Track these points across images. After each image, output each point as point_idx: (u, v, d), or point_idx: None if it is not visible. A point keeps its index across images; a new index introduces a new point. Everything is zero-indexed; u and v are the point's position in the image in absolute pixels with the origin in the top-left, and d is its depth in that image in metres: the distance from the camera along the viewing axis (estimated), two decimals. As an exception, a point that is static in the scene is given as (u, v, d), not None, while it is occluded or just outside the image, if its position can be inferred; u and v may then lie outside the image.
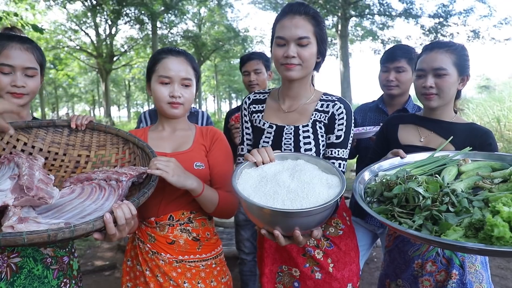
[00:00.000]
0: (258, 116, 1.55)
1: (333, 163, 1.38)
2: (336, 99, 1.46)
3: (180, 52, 1.50)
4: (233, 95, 51.55)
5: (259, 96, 1.59)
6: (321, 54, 1.44)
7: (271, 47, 1.47)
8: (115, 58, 25.94)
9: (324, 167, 1.26)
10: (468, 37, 15.44)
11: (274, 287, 1.52)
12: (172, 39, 24.61)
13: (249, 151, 1.51)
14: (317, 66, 1.47)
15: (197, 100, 32.01)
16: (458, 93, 1.58)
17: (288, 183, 1.15)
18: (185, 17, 22.35)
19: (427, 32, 15.82)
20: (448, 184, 1.17)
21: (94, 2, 15.23)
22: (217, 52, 27.66)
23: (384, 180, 1.23)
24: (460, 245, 0.86)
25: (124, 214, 1.03)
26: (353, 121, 1.46)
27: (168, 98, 1.44)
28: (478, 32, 15.18)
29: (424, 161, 1.38)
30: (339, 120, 1.42)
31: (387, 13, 15.88)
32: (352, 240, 1.51)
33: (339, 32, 16.03)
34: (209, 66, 37.87)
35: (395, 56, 2.10)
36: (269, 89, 1.63)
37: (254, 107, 1.57)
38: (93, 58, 26.14)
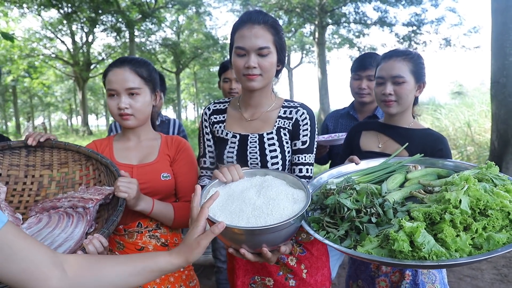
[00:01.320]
0: (220, 127, 1.51)
1: (301, 169, 1.41)
2: (299, 105, 1.46)
3: (125, 62, 1.46)
4: (230, 98, 51.44)
5: (219, 106, 1.55)
6: (281, 62, 1.43)
7: (230, 55, 1.45)
8: (92, 66, 25.55)
9: (291, 182, 1.25)
10: (440, 44, 15.93)
11: None
12: (150, 46, 24.45)
13: (211, 163, 1.54)
14: (277, 74, 1.47)
15: (177, 108, 31.81)
16: (416, 99, 1.65)
17: (254, 200, 1.13)
18: (163, 25, 22.24)
19: (401, 40, 16.24)
20: (385, 192, 1.22)
21: (70, 10, 14.98)
22: (196, 60, 27.63)
23: (323, 191, 1.27)
24: (364, 257, 0.91)
25: (96, 248, 1.03)
26: (316, 126, 1.47)
27: (117, 110, 1.44)
28: (450, 40, 15.69)
29: (375, 167, 1.43)
30: (303, 126, 1.43)
31: (363, 21, 16.24)
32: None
33: (316, 39, 16.27)
34: (188, 73, 37.73)
35: (367, 64, 2.16)
36: (228, 99, 1.60)
37: (215, 118, 1.53)
38: (69, 66, 25.67)
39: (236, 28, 1.39)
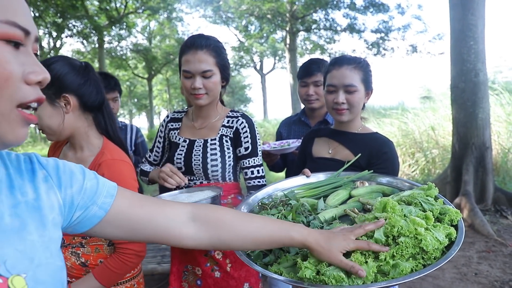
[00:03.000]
0: (175, 133, 1.74)
1: (252, 171, 1.63)
2: (240, 115, 1.67)
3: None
4: (187, 108, 51.12)
5: (177, 115, 1.79)
6: (225, 79, 1.64)
7: (179, 74, 1.64)
8: (60, 72, 24.81)
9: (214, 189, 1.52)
10: (407, 51, 16.46)
11: (181, 285, 1.67)
12: (121, 52, 24.04)
13: (154, 160, 1.81)
14: (223, 87, 1.69)
15: (149, 114, 31.31)
16: (364, 105, 1.68)
17: (183, 198, 1.46)
18: (133, 30, 21.94)
19: (370, 46, 16.68)
20: (321, 209, 1.22)
21: (36, 14, 14.52)
22: (168, 66, 27.38)
23: (260, 204, 1.28)
24: (273, 276, 0.95)
25: None
26: (257, 132, 1.67)
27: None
28: (416, 47, 16.24)
29: (322, 182, 1.44)
30: (243, 133, 1.64)
31: (333, 28, 16.57)
32: None
33: (287, 45, 16.48)
34: (161, 79, 37.32)
35: (312, 71, 2.19)
36: (185, 109, 1.82)
37: (172, 125, 1.76)
38: (36, 72, 24.84)
39: (182, 53, 1.58)
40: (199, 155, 1.61)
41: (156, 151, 1.81)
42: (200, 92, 1.55)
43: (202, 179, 1.64)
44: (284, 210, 1.20)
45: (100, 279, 1.26)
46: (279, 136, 2.41)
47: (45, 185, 0.67)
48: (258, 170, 1.65)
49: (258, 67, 32.09)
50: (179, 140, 1.70)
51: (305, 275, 0.87)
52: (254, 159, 1.64)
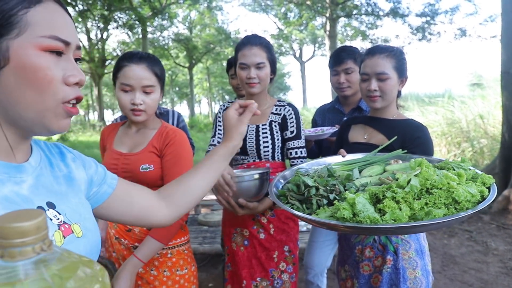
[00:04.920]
0: None
1: (296, 151, 1.87)
2: (286, 104, 1.92)
3: (142, 58, 1.52)
4: (227, 97, 51.67)
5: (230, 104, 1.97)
6: (273, 72, 1.89)
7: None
8: (107, 63, 25.96)
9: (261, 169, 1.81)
10: (455, 35, 15.62)
11: (231, 244, 1.94)
12: (163, 42, 24.68)
13: (218, 143, 2.01)
14: (271, 80, 1.92)
15: (190, 102, 32.05)
16: (399, 92, 1.72)
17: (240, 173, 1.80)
18: (175, 20, 22.41)
19: (415, 31, 15.99)
20: (356, 178, 1.31)
21: (84, 8, 15.24)
22: (208, 55, 27.78)
23: (299, 175, 1.38)
24: (318, 220, 1.07)
25: None
26: (301, 119, 1.90)
27: (130, 105, 1.50)
28: (465, 30, 15.36)
29: (356, 159, 1.50)
30: (290, 119, 1.88)
31: (375, 13, 16.01)
32: (292, 215, 1.82)
33: (327, 32, 16.15)
34: (201, 68, 37.97)
35: (342, 59, 2.21)
36: (239, 98, 2.03)
37: None
38: (85, 63, 26.15)
39: (238, 49, 1.86)
40: (253, 138, 1.87)
41: (218, 135, 2.04)
42: (254, 81, 1.80)
43: (255, 158, 1.90)
44: (316, 176, 1.32)
45: (157, 237, 1.45)
46: (314, 124, 2.46)
47: (73, 163, 0.85)
48: (301, 151, 1.86)
49: (297, 55, 31.78)
50: None
51: (344, 214, 0.99)
52: (298, 141, 1.86)
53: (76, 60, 0.73)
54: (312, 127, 2.43)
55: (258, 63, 1.79)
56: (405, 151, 1.50)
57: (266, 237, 1.84)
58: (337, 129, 2.11)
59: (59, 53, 0.67)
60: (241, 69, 1.83)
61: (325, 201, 1.18)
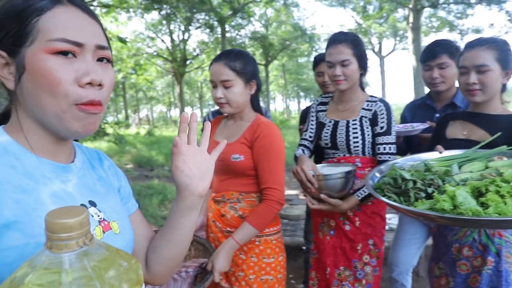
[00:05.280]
0: (322, 114, 2.07)
1: (384, 147, 1.86)
2: (378, 100, 1.93)
3: (222, 56, 1.68)
4: (302, 93, 51.41)
5: (325, 99, 2.13)
6: (363, 68, 1.92)
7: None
8: (188, 62, 27.38)
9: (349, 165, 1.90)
10: None
11: (318, 233, 2.03)
12: (240, 41, 25.33)
13: (310, 137, 2.12)
14: (362, 75, 1.96)
15: (266, 99, 32.56)
16: (504, 86, 1.61)
17: (325, 170, 1.90)
18: (252, 19, 22.87)
19: (513, 19, 14.40)
20: (455, 174, 1.28)
21: (169, 11, 16.27)
22: (284, 52, 27.85)
23: (395, 169, 1.39)
24: (417, 211, 1.08)
25: None
26: (392, 115, 1.89)
27: (215, 99, 1.69)
28: None
29: (456, 155, 1.46)
30: (380, 115, 1.88)
31: (465, 1, 14.73)
32: (379, 211, 1.92)
33: (410, 24, 15.24)
34: (276, 65, 38.18)
35: (436, 53, 2.11)
36: (331, 94, 2.13)
37: (320, 107, 2.11)
38: (168, 62, 27.88)
39: (326, 47, 1.92)
40: (343, 133, 1.91)
41: (310, 129, 2.12)
42: (340, 79, 1.86)
43: (345, 153, 1.94)
44: (413, 171, 1.31)
45: (253, 224, 1.59)
46: (403, 120, 2.39)
47: (109, 171, 0.89)
48: (390, 147, 1.86)
49: (376, 50, 30.49)
50: (325, 120, 2.02)
51: (444, 206, 1.00)
52: (387, 137, 1.86)
53: (102, 59, 0.72)
54: (401, 123, 2.38)
55: (343, 60, 1.82)
56: (511, 147, 1.41)
57: (351, 229, 1.90)
58: (428, 125, 2.05)
59: (72, 55, 0.66)
60: (328, 67, 1.90)
61: (423, 194, 1.18)
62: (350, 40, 1.85)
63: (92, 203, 0.76)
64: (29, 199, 0.65)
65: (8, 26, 0.66)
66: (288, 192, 5.50)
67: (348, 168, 1.84)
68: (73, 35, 0.65)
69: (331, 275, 1.92)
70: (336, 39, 1.86)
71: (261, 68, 32.83)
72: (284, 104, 50.14)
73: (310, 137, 2.12)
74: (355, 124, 1.91)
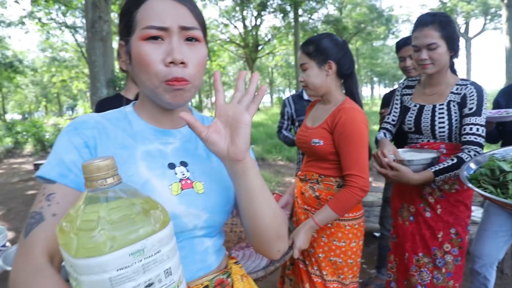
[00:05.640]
0: (407, 98, 2.01)
1: (471, 128, 1.72)
2: (469, 83, 1.79)
3: (303, 43, 1.75)
4: (375, 79, 49.25)
5: (411, 83, 2.05)
6: (453, 49, 1.79)
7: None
8: (259, 47, 27.65)
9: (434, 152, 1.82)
10: None
11: (397, 218, 2.01)
12: (313, 25, 24.89)
13: (392, 120, 2.08)
14: (452, 57, 1.84)
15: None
16: None
17: (406, 156, 1.84)
18: (326, 1, 22.28)
19: None
20: None
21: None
22: (358, 35, 26.84)
23: (494, 160, 1.31)
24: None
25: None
26: (484, 98, 1.74)
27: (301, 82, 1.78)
28: None
29: None
30: (470, 97, 1.76)
31: None
32: (464, 199, 1.83)
33: (505, 1, 13.70)
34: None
35: None
36: (419, 77, 2.04)
37: (405, 91, 2.04)
38: (240, 48, 28.41)
39: (412, 31, 1.85)
40: (428, 118, 1.85)
41: (394, 112, 2.08)
42: (426, 63, 1.78)
43: (430, 138, 1.88)
44: None
45: (334, 208, 1.61)
46: (497, 105, 2.21)
47: None
48: (477, 128, 1.71)
49: (462, 30, 27.99)
50: (410, 104, 1.96)
51: None
52: (476, 118, 1.72)
53: (191, 39, 0.78)
54: (493, 109, 2.20)
55: (429, 44, 1.74)
56: None
57: (432, 216, 1.84)
58: None
59: (160, 39, 0.75)
60: (414, 51, 1.83)
61: None
62: (438, 22, 1.75)
63: (183, 163, 0.83)
64: (124, 153, 0.78)
65: (123, 20, 0.80)
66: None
67: (432, 155, 1.77)
68: (158, 21, 0.74)
69: (409, 260, 1.91)
70: (423, 22, 1.78)
71: (334, 52, 31.94)
72: (357, 90, 48.34)
73: (393, 120, 2.08)
74: (442, 108, 1.82)
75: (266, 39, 28.19)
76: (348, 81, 1.76)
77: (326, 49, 1.68)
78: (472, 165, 1.40)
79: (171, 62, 0.74)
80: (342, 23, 24.51)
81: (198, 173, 0.83)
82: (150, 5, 0.76)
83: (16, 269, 0.64)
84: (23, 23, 18.44)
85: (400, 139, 2.29)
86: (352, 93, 1.77)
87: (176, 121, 0.88)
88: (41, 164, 9.61)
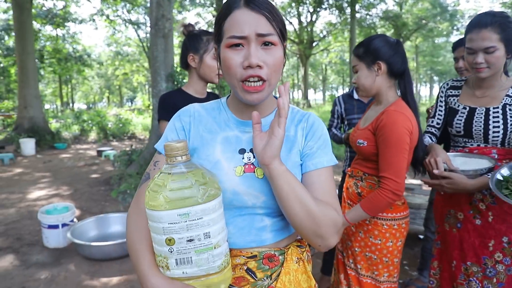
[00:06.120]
0: (454, 99, 1.89)
1: None
2: None
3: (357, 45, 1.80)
4: (436, 78, 46.69)
5: (456, 83, 1.93)
6: (510, 52, 1.67)
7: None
8: (314, 44, 27.42)
9: (488, 159, 1.71)
10: None
11: (443, 224, 1.92)
12: (370, 21, 24.20)
13: (437, 123, 1.97)
14: (508, 60, 1.72)
15: (393, 83, 30.55)
16: None
17: (458, 163, 1.73)
18: (385, -3, 21.54)
19: None
20: None
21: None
22: (419, 32, 25.63)
23: None
24: None
25: None
26: None
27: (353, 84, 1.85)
28: None
29: None
30: None
31: None
32: None
33: None
34: (409, 47, 35.39)
35: None
36: (465, 78, 1.92)
37: (451, 92, 1.92)
38: (295, 44, 28.34)
39: (467, 31, 1.72)
40: (481, 123, 1.73)
41: (438, 115, 1.97)
42: (481, 66, 1.66)
43: (480, 142, 1.78)
44: None
45: (365, 208, 1.64)
46: None
47: (301, 131, 1.00)
48: None
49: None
50: (458, 106, 1.85)
51: None
52: None
53: (266, 44, 0.87)
54: None
55: (487, 47, 1.62)
56: None
57: (482, 224, 1.74)
58: None
59: (241, 46, 0.87)
60: (468, 54, 1.71)
61: None
62: (498, 23, 1.62)
63: (252, 150, 0.95)
64: (209, 137, 0.97)
65: (215, 29, 0.94)
66: (410, 181, 5.27)
67: (487, 163, 1.66)
68: (238, 31, 0.86)
69: (457, 269, 1.84)
70: (481, 23, 1.65)
71: (391, 49, 30.77)
72: (415, 89, 46.26)
73: (438, 124, 1.97)
74: (497, 112, 1.71)
75: (321, 35, 27.89)
76: (400, 82, 1.75)
77: (375, 49, 1.68)
78: (507, 170, 1.39)
79: (248, 66, 0.86)
80: (401, 19, 23.56)
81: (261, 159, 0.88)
82: (233, 17, 0.88)
83: (131, 208, 0.95)
84: (93, 20, 19.88)
85: (442, 139, 2.25)
86: (405, 94, 1.74)
87: (259, 112, 0.97)
88: (104, 150, 10.31)
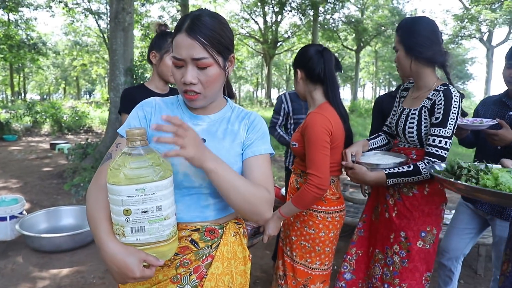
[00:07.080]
0: (402, 100, 2.01)
1: (434, 139, 1.68)
2: (441, 90, 1.70)
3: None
4: (394, 82, 48.68)
5: (410, 85, 2.01)
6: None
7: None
8: (278, 44, 27.73)
9: (395, 155, 1.91)
10: None
11: (371, 214, 2.07)
12: (333, 24, 24.86)
13: (390, 123, 2.03)
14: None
15: (353, 86, 31.59)
16: None
17: (374, 158, 1.92)
18: (347, 2, 22.22)
19: None
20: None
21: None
22: (378, 37, 26.69)
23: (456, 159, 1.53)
24: (463, 184, 1.29)
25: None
26: (453, 107, 1.66)
27: None
28: None
29: None
30: (438, 105, 1.69)
31: None
32: (421, 205, 1.80)
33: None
34: (369, 51, 36.72)
35: None
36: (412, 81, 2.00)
37: (403, 93, 2.03)
38: (259, 44, 28.53)
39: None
40: (402, 122, 1.84)
41: (392, 115, 2.05)
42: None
43: (406, 143, 1.88)
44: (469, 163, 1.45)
45: (295, 203, 1.78)
46: (476, 114, 2.32)
47: (243, 126, 1.17)
48: (440, 141, 1.67)
49: (484, 38, 27.56)
50: (399, 107, 1.97)
51: (487, 183, 1.21)
52: (440, 130, 1.67)
53: (200, 68, 1.02)
54: (473, 116, 2.36)
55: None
56: None
57: (389, 217, 1.89)
58: (496, 122, 2.04)
59: (181, 65, 1.03)
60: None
61: (474, 181, 1.31)
62: None
63: (203, 140, 1.10)
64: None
65: (172, 37, 1.07)
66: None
67: (398, 160, 1.80)
68: (178, 53, 1.01)
69: (372, 254, 2.03)
70: None
71: (352, 53, 31.88)
72: (373, 93, 48.02)
73: (391, 123, 2.02)
74: (414, 114, 1.79)
75: (286, 36, 28.25)
76: (324, 86, 1.85)
77: (295, 59, 1.91)
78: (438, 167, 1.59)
79: (184, 83, 1.03)
80: (362, 24, 24.41)
81: (211, 149, 1.01)
82: (177, 39, 1.02)
83: (91, 184, 1.05)
84: (49, 7, 18.96)
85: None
86: (328, 98, 1.86)
87: (208, 110, 1.16)
88: (57, 143, 9.93)
